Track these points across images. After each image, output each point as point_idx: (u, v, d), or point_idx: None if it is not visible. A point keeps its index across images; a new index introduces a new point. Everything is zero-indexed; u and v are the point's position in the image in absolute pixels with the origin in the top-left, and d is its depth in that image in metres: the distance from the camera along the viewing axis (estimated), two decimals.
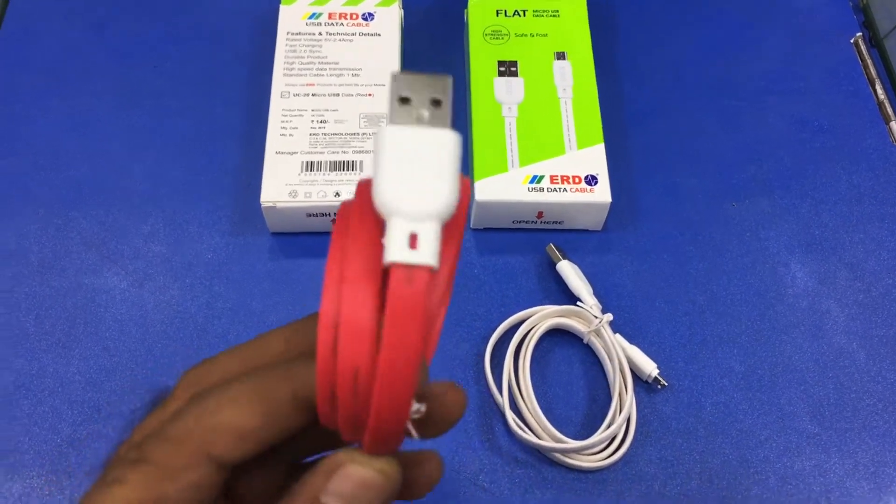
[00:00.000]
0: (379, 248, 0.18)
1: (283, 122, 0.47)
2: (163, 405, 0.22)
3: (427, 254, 0.17)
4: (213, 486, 0.20)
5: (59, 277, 0.46)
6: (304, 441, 0.22)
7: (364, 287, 0.18)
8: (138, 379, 0.43)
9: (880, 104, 0.54)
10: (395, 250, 0.17)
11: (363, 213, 0.19)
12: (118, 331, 0.44)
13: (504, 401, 0.41)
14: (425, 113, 0.19)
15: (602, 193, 0.45)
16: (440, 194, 0.18)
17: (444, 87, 0.19)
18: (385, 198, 0.18)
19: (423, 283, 0.17)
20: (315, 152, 0.46)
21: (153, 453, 0.20)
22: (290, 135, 0.46)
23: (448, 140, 0.18)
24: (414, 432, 0.20)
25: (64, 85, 0.52)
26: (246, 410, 0.20)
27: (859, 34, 0.57)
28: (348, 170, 0.45)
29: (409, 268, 0.17)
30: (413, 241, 0.17)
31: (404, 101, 0.19)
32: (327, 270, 0.18)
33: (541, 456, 0.41)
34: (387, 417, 0.18)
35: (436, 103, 0.19)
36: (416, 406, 0.20)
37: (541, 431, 0.41)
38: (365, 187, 0.19)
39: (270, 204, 0.44)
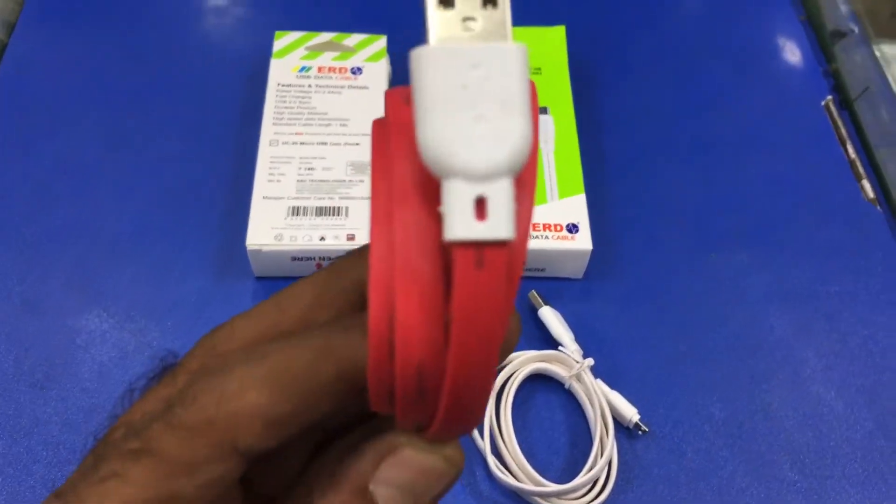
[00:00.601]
0: (435, 219, 0.14)
1: (270, 168, 0.48)
2: (170, 377, 0.18)
3: (501, 223, 0.13)
4: (236, 479, 0.16)
5: (40, 318, 0.45)
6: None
7: (419, 260, 0.14)
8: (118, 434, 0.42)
9: (851, 163, 0.56)
10: (459, 224, 0.13)
11: (400, 144, 0.14)
12: (98, 372, 0.44)
13: (486, 444, 0.41)
14: (478, 19, 0.14)
15: (583, 241, 0.46)
16: (511, 138, 0.13)
17: None
18: (435, 153, 0.13)
19: (498, 265, 0.13)
20: (301, 198, 0.47)
21: (162, 444, 0.16)
22: (278, 181, 0.47)
23: (513, 57, 0.13)
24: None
25: (53, 128, 0.53)
26: (277, 393, 0.16)
27: (830, 97, 0.59)
28: (334, 215, 0.46)
29: (479, 246, 0.13)
30: (480, 208, 0.13)
31: (445, 2, 0.14)
32: (373, 244, 0.14)
33: (522, 500, 0.41)
34: (460, 418, 0.15)
35: (489, 2, 0.14)
36: None
37: (522, 475, 0.40)
38: (400, 119, 0.14)
39: (256, 247, 0.45)
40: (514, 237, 0.13)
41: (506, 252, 0.13)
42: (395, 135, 0.15)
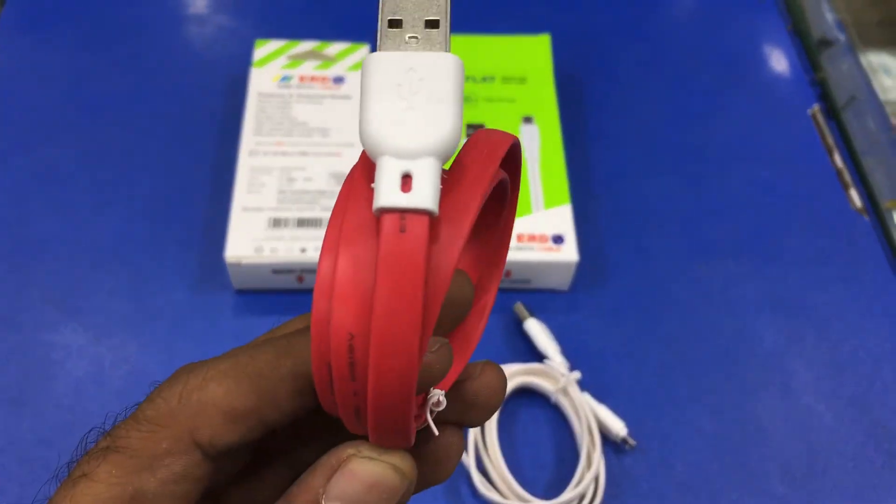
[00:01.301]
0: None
1: (250, 179, 0.47)
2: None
3: (423, 196, 0.14)
4: (199, 479, 0.17)
5: (15, 332, 0.44)
6: (311, 442, 0.19)
7: (360, 243, 0.15)
8: (91, 437, 0.41)
9: (839, 172, 0.55)
10: (384, 194, 0.14)
11: (365, 167, 0.16)
12: (73, 388, 0.43)
13: (471, 460, 0.40)
14: (419, 36, 0.16)
15: (569, 253, 0.46)
16: (437, 124, 0.15)
17: (440, 5, 0.16)
18: (371, 136, 0.15)
19: (419, 231, 0.14)
20: (282, 209, 0.46)
21: (128, 441, 0.16)
22: (258, 192, 0.46)
23: (446, 63, 0.16)
24: (434, 428, 0.17)
25: (31, 140, 0.52)
26: (236, 387, 0.16)
27: (816, 106, 0.59)
28: (316, 227, 0.45)
29: (402, 213, 0.14)
30: (406, 182, 0.15)
31: (394, 24, 0.16)
32: (326, 235, 0.16)
33: None
34: (386, 395, 0.15)
35: (431, 24, 0.16)
36: (435, 395, 0.17)
37: (508, 492, 0.40)
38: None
39: (235, 260, 0.44)
40: (435, 210, 0.15)
41: (427, 222, 0.14)
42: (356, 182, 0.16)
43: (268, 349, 0.17)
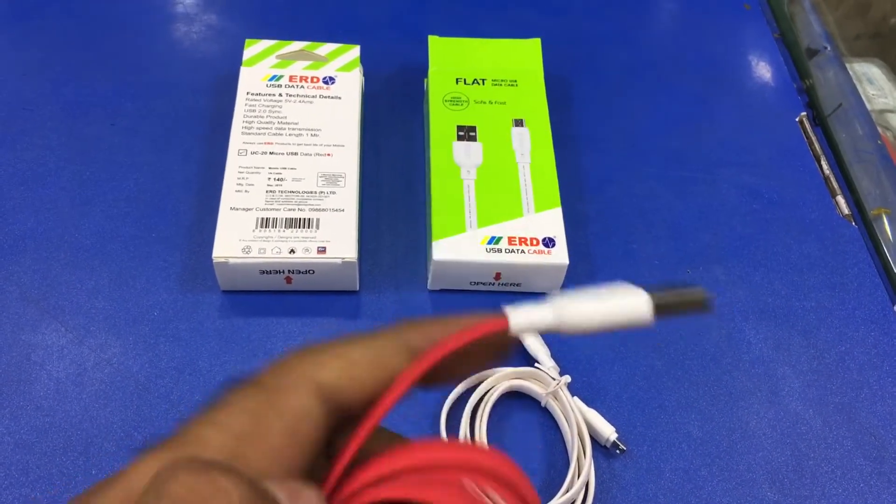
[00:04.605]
0: None
1: (239, 178, 0.46)
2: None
3: None
4: (318, 426, 0.17)
5: None
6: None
7: None
8: (72, 440, 0.40)
9: (826, 179, 0.56)
10: None
11: None
12: (54, 389, 0.42)
13: None
14: None
15: (559, 255, 0.45)
16: None
17: None
18: None
19: None
20: (271, 209, 0.45)
21: (259, 379, 0.17)
22: (246, 191, 0.46)
23: None
24: None
25: (15, 137, 0.51)
26: (355, 348, 0.18)
27: (804, 113, 0.59)
28: (304, 227, 0.45)
29: None
30: None
31: None
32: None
33: None
34: None
35: None
36: None
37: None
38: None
39: (223, 259, 0.43)
40: None
41: None
42: None
43: (388, 334, 0.18)
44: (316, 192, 0.46)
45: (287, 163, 0.47)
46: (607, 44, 0.62)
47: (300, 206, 0.45)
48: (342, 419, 0.18)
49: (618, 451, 0.42)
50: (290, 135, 0.48)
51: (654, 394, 0.45)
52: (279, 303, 0.46)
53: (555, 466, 0.42)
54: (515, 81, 0.53)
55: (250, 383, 0.17)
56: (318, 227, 0.45)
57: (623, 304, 0.18)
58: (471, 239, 0.45)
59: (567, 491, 0.39)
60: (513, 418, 0.43)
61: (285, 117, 0.49)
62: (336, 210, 0.46)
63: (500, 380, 0.43)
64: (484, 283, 0.47)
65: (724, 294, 0.49)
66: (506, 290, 0.47)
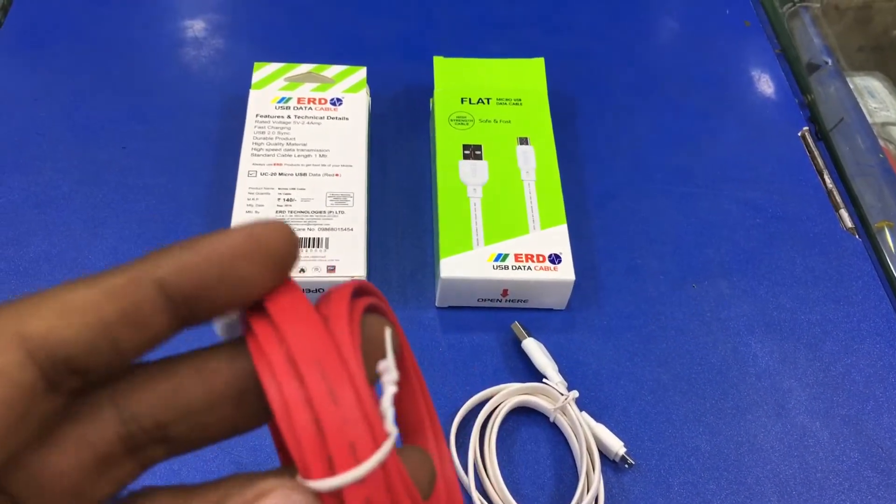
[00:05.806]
0: None
1: (249, 199, 0.47)
2: None
3: None
4: (35, 394, 0.14)
5: None
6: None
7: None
8: None
9: (829, 192, 0.56)
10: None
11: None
12: None
13: (470, 480, 0.40)
14: None
15: (566, 272, 0.46)
16: None
17: None
18: None
19: None
20: None
21: None
22: (256, 212, 0.46)
23: None
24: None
25: (27, 161, 0.52)
26: (83, 288, 0.14)
27: (806, 128, 0.60)
28: (314, 246, 0.45)
29: None
30: None
31: None
32: None
33: None
34: None
35: None
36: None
37: None
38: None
39: None
40: None
41: None
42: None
43: (128, 265, 0.15)
44: (325, 212, 0.47)
45: (296, 183, 0.48)
46: (610, 62, 0.63)
47: (309, 226, 0.46)
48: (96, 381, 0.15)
49: (626, 466, 0.42)
50: (298, 156, 0.49)
51: (662, 408, 0.45)
52: None
53: (564, 481, 0.42)
54: (520, 100, 0.54)
55: None
56: (327, 246, 0.45)
57: None
58: (478, 256, 0.46)
59: None
60: (522, 434, 0.43)
61: (294, 139, 0.50)
62: (345, 229, 0.46)
63: (509, 395, 0.43)
64: (491, 300, 0.47)
65: (730, 308, 0.50)
66: (513, 306, 0.48)
